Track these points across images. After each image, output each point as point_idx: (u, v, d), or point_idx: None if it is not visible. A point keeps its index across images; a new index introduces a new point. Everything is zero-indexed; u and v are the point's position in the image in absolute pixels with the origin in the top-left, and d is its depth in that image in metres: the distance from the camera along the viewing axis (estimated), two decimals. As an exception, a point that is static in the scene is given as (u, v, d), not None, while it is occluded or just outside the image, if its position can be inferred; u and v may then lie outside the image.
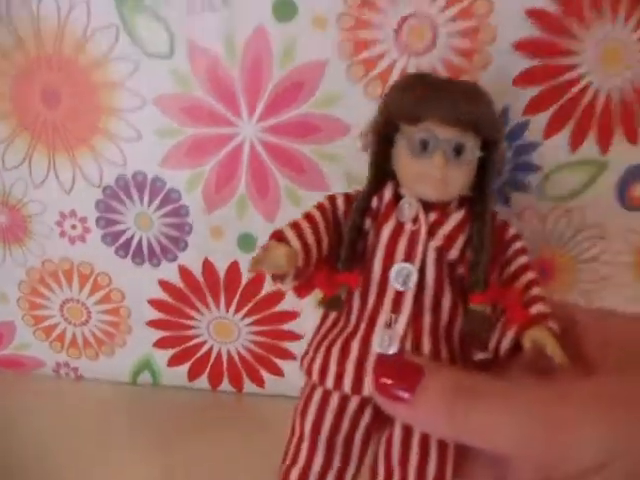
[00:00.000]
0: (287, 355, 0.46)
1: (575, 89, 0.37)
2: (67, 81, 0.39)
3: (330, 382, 0.27)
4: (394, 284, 0.27)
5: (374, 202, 0.28)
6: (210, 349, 0.47)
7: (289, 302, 0.44)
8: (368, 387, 0.26)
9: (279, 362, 0.47)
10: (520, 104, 0.37)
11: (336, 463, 0.28)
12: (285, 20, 0.36)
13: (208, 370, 0.48)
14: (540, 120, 0.38)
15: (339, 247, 0.27)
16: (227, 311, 0.45)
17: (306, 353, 0.29)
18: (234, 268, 0.43)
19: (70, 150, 0.41)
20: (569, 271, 0.42)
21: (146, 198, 0.42)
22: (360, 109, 0.36)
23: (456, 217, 0.27)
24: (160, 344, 0.47)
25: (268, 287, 0.44)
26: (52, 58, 0.39)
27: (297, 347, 0.45)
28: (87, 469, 0.42)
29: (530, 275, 0.27)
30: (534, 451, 0.22)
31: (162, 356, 0.48)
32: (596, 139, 0.38)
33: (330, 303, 0.28)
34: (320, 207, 0.28)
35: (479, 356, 0.29)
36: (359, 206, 0.28)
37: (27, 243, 0.45)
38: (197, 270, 0.44)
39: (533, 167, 0.39)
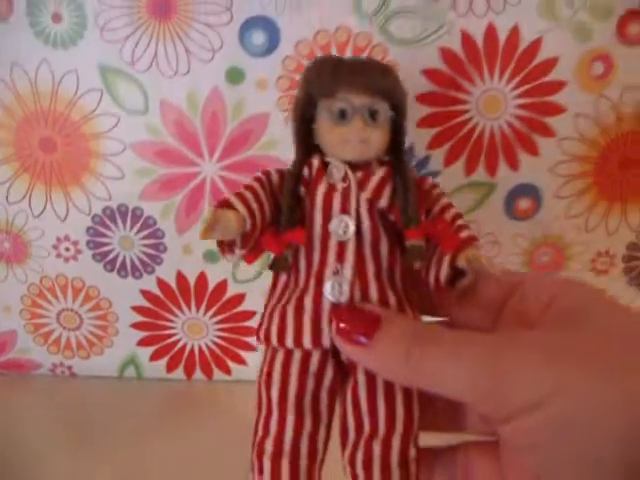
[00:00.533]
0: (248, 347, 0.54)
1: (466, 129, 0.46)
2: (61, 132, 0.47)
3: (290, 340, 0.27)
4: (335, 234, 0.27)
5: (305, 171, 0.29)
6: (184, 345, 0.55)
7: (248, 303, 0.52)
8: (327, 338, 0.26)
9: (242, 353, 0.55)
10: (423, 142, 0.46)
11: (307, 425, 0.27)
12: (235, 83, 0.45)
13: (183, 362, 0.56)
14: (440, 153, 0.47)
15: (279, 214, 0.28)
16: (197, 312, 0.53)
17: (260, 324, 0.29)
18: (202, 277, 0.51)
19: (64, 187, 0.48)
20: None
21: (128, 224, 0.49)
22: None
23: (380, 172, 0.28)
24: (143, 343, 0.55)
25: (230, 292, 0.52)
26: (48, 113, 0.46)
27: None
28: (81, 455, 0.47)
29: (453, 211, 0.29)
30: (479, 393, 0.22)
31: (145, 353, 0.55)
32: (485, 166, 0.48)
33: (278, 264, 0.28)
34: (257, 179, 0.29)
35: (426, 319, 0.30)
36: (292, 174, 0.29)
37: (28, 263, 0.52)
38: (172, 280, 0.52)
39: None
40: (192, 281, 0.52)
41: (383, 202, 0.28)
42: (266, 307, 0.29)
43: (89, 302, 0.53)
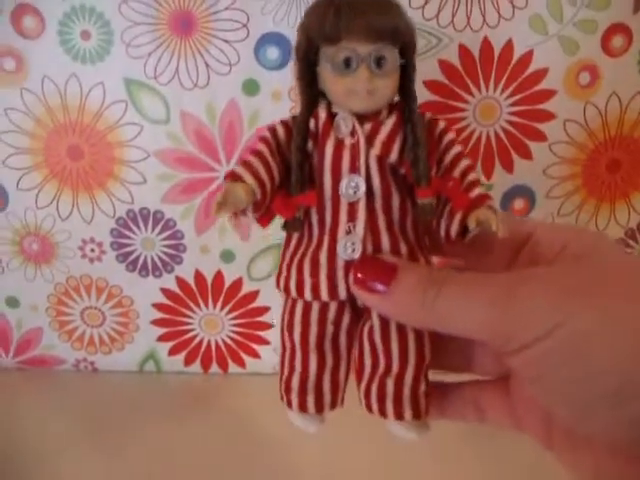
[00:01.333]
0: (262, 341, 0.57)
1: (464, 134, 0.50)
2: (88, 141, 0.50)
3: (308, 294, 0.28)
4: (345, 196, 0.27)
5: (311, 124, 0.28)
6: (202, 340, 0.58)
7: (262, 299, 0.56)
8: (343, 291, 0.27)
9: (256, 347, 0.58)
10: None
11: (329, 362, 0.29)
12: (251, 95, 0.48)
13: (200, 357, 0.59)
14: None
15: (288, 173, 0.28)
16: (214, 309, 0.56)
17: (280, 274, 0.29)
18: (219, 276, 0.55)
19: (90, 192, 0.52)
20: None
21: (150, 226, 0.53)
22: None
23: (389, 123, 0.27)
24: (162, 338, 0.58)
25: (245, 289, 0.55)
26: (76, 124, 0.50)
27: (270, 334, 0.57)
28: (103, 446, 0.49)
29: (465, 162, 0.28)
30: (493, 328, 0.23)
31: (164, 348, 0.58)
32: (482, 169, 0.51)
33: (291, 225, 0.28)
34: (263, 140, 0.28)
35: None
36: (299, 129, 0.27)
37: (55, 264, 0.55)
38: (190, 279, 0.55)
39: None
40: (209, 279, 0.55)
41: (393, 157, 0.27)
42: (283, 257, 0.29)
43: (112, 300, 0.57)
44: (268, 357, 0.58)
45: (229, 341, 0.58)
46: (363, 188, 0.27)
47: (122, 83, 0.49)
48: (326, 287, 0.27)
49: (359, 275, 0.26)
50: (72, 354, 0.60)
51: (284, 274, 0.29)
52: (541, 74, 0.49)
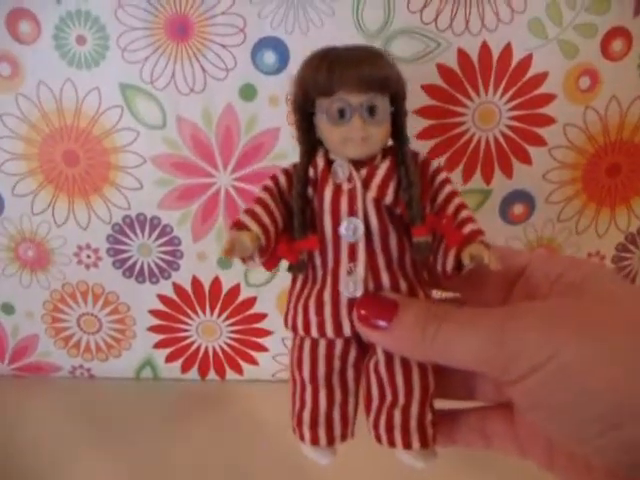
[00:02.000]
0: (260, 348, 0.57)
1: (463, 140, 0.50)
2: (84, 146, 0.50)
3: (314, 331, 0.29)
4: (345, 238, 0.29)
5: (311, 172, 0.29)
6: (199, 346, 0.57)
7: (260, 306, 0.55)
8: (347, 328, 0.29)
9: (254, 354, 0.57)
10: (423, 152, 0.49)
11: (337, 397, 0.30)
12: (248, 100, 0.48)
13: (198, 363, 0.58)
14: (439, 162, 0.50)
15: (291, 217, 0.29)
16: (212, 315, 0.56)
17: (287, 313, 0.31)
18: (216, 283, 0.54)
19: (86, 197, 0.51)
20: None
21: (147, 232, 0.52)
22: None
23: (383, 167, 0.29)
24: (159, 345, 0.57)
25: (242, 296, 0.55)
26: (72, 129, 0.49)
27: (268, 341, 0.56)
28: (99, 454, 0.48)
29: (457, 200, 0.29)
30: (489, 361, 0.24)
31: (161, 355, 0.58)
32: (481, 174, 0.51)
33: (296, 268, 0.30)
34: (266, 189, 0.30)
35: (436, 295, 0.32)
36: (299, 177, 0.29)
37: (51, 270, 0.55)
38: (187, 285, 0.54)
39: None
40: (207, 286, 0.54)
41: (388, 199, 0.29)
42: (290, 297, 0.31)
43: (108, 307, 0.56)
44: (266, 364, 0.58)
45: (227, 348, 0.58)
46: (362, 229, 0.28)
47: (118, 88, 0.48)
48: (331, 325, 0.29)
49: (362, 312, 0.28)
50: (68, 361, 0.59)
51: (291, 313, 0.30)
52: (541, 78, 0.48)
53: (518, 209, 0.53)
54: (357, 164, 0.29)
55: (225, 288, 0.55)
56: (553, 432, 0.26)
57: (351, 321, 0.29)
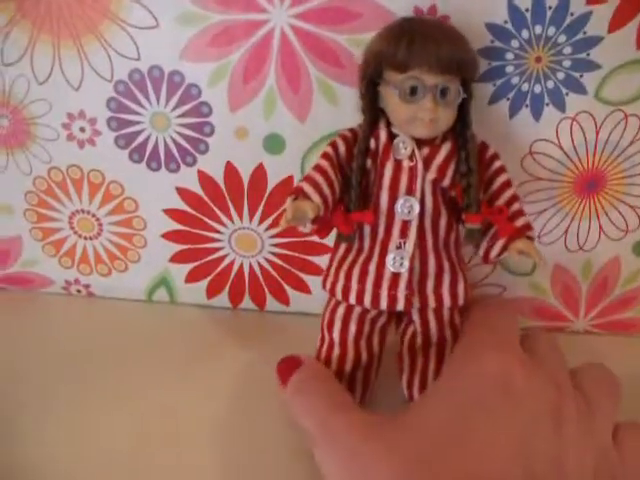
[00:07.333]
0: (314, 270, 0.44)
1: None
2: None
3: (352, 299, 0.33)
4: (400, 215, 0.32)
5: (372, 143, 0.32)
6: (231, 263, 0.45)
7: None
8: (384, 301, 0.33)
9: (305, 277, 0.45)
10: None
11: (363, 360, 0.35)
12: None
13: (228, 286, 0.47)
14: (605, 10, 0.34)
15: (346, 186, 0.32)
16: (250, 221, 0.43)
17: (327, 276, 0.35)
18: (259, 173, 0.40)
19: (77, 39, 0.37)
20: (619, 184, 0.40)
21: (163, 95, 0.39)
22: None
23: (445, 149, 0.31)
24: (177, 258, 0.46)
25: None
26: None
27: (325, 261, 0.43)
28: (97, 391, 0.41)
29: (510, 192, 0.32)
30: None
31: (179, 271, 0.46)
32: None
33: (346, 238, 0.33)
34: (325, 156, 0.32)
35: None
36: (360, 150, 0.32)
37: (31, 148, 0.42)
38: (219, 176, 0.41)
39: (592, 65, 0.35)
40: (246, 177, 0.41)
41: (446, 181, 0.32)
42: (331, 262, 0.36)
43: (110, 202, 0.44)
44: (320, 292, 0.44)
45: (268, 267, 0.45)
46: (417, 209, 0.32)
47: None
48: (370, 295, 0.33)
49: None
50: (61, 273, 0.48)
51: (331, 278, 0.35)
52: None
53: None
54: (418, 142, 0.31)
55: (272, 181, 0.41)
56: None
57: (389, 296, 0.33)
